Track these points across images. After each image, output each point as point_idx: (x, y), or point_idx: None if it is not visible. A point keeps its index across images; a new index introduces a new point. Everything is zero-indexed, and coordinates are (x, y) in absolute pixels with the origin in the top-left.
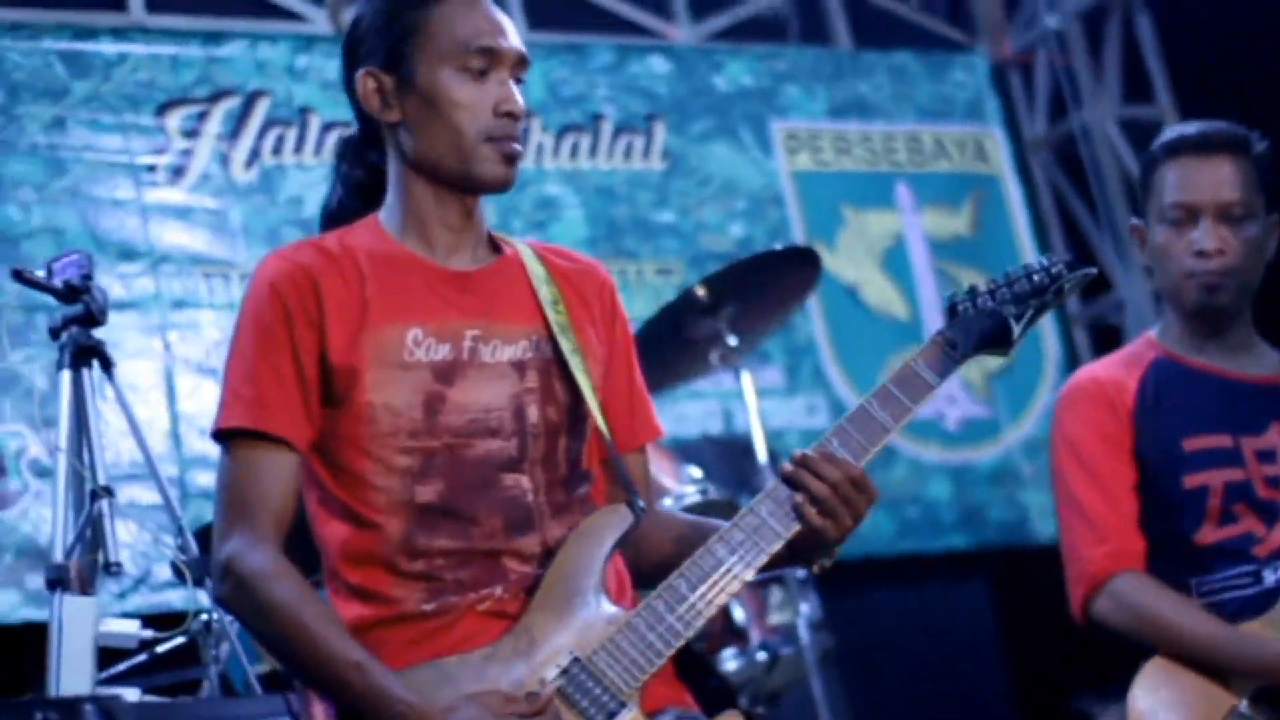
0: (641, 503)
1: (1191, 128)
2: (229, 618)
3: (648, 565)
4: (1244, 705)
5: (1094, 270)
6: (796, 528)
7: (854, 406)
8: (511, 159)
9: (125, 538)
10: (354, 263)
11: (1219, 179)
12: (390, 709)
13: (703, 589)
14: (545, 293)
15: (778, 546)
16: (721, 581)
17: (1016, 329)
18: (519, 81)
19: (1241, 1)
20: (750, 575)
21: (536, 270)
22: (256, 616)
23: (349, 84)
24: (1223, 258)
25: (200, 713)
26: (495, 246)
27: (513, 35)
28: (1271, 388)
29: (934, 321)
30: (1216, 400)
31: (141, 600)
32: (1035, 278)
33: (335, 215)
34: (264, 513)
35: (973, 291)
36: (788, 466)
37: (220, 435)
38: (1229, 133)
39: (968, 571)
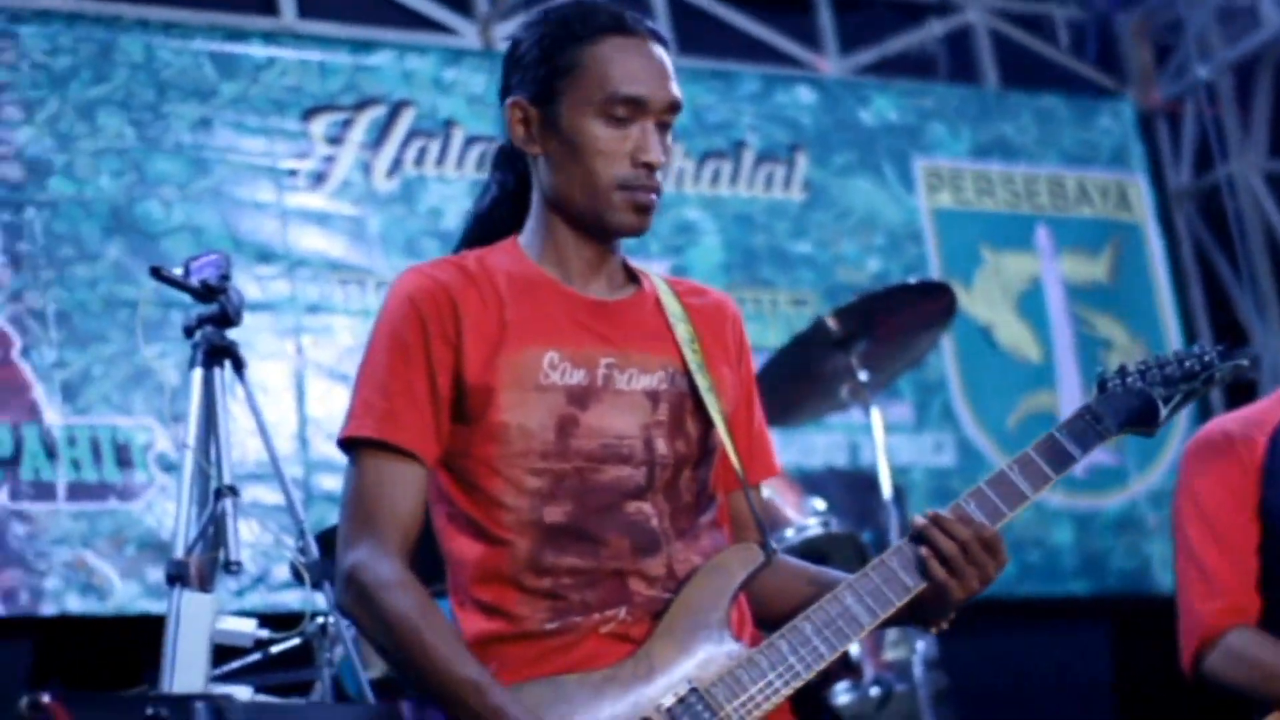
0: (773, 545)
1: None
2: (345, 621)
3: (765, 608)
4: None
5: (1245, 362)
6: (924, 583)
7: (993, 468)
8: (644, 209)
9: (246, 537)
10: (493, 284)
11: None
12: None
13: (827, 633)
14: (681, 330)
15: (905, 600)
16: (846, 627)
17: (1164, 411)
18: (666, 126)
19: None
20: (874, 624)
21: (673, 307)
22: (376, 627)
23: (504, 104)
24: None
25: (311, 715)
26: (631, 275)
27: (666, 81)
28: None
29: (1067, 366)
30: None
31: (259, 599)
32: (1187, 363)
33: (484, 217)
34: (390, 524)
35: (1123, 370)
36: (920, 521)
37: (348, 444)
38: None
39: (1087, 618)
